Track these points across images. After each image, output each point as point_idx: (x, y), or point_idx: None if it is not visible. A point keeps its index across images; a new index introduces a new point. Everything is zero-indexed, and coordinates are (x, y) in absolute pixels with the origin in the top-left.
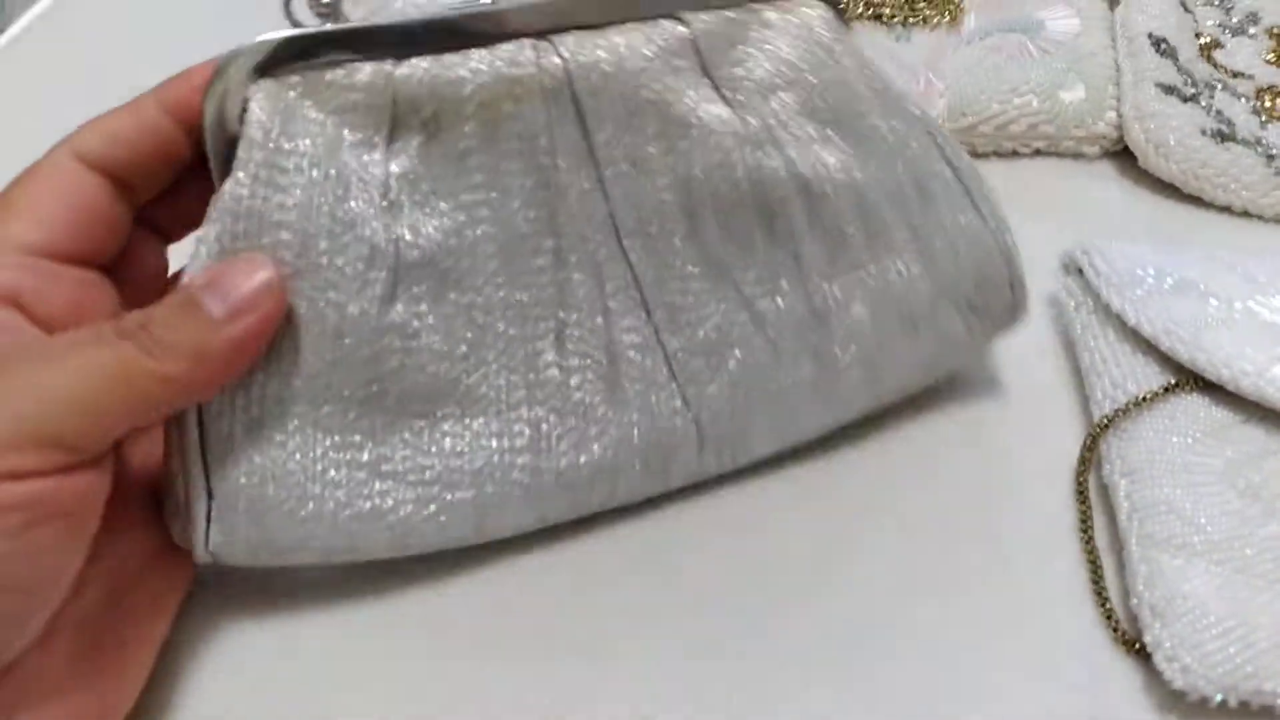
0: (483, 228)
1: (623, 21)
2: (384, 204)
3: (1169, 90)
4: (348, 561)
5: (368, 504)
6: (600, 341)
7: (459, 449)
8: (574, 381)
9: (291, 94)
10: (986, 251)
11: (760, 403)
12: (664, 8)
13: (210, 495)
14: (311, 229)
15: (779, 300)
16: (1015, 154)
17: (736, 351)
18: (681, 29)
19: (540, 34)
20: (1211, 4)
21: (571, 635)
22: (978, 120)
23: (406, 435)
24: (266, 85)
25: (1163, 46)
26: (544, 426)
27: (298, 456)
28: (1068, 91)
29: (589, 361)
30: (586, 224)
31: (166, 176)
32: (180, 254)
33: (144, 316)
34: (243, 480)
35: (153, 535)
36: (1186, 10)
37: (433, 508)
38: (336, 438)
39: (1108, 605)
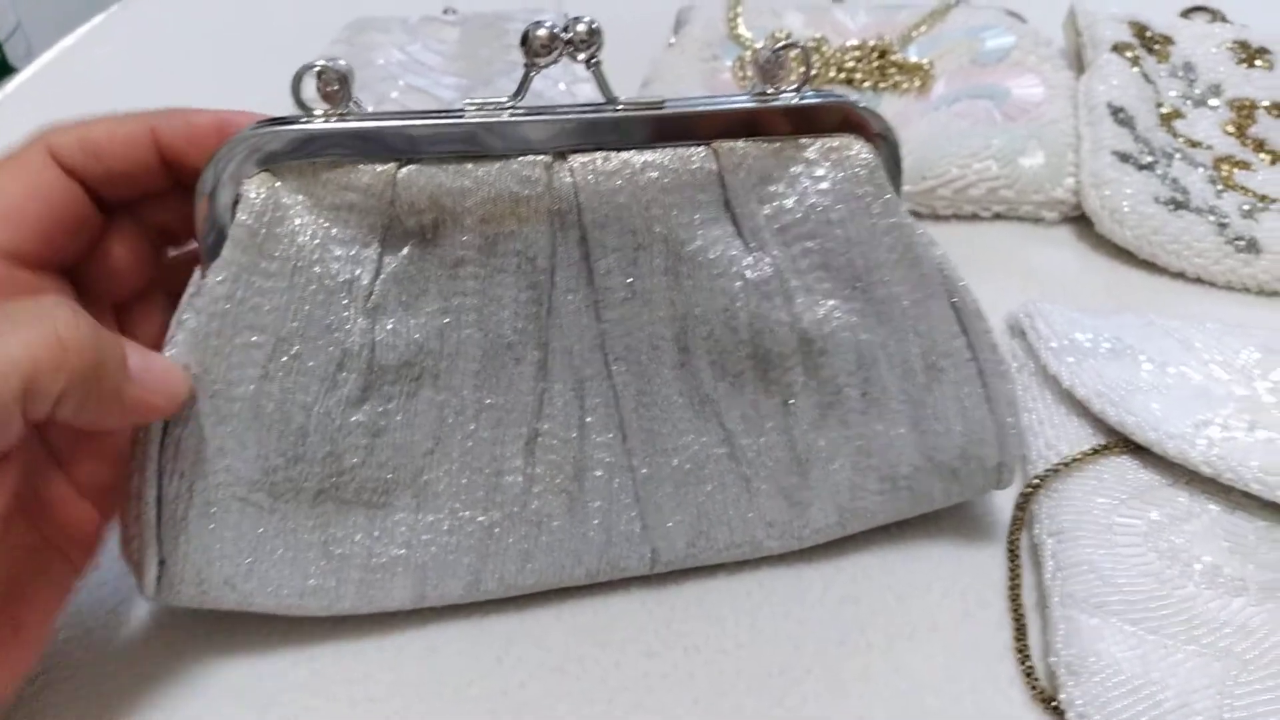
0: (467, 331)
1: (648, 145)
2: (367, 306)
3: (1124, 158)
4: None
5: (311, 581)
6: (570, 454)
7: (409, 540)
8: (535, 490)
9: (285, 190)
10: (983, 431)
11: (721, 534)
12: (696, 135)
13: (161, 562)
14: (285, 332)
15: (761, 440)
16: (975, 217)
17: (707, 486)
18: (710, 163)
19: (558, 151)
20: (1175, 75)
21: (504, 701)
22: (937, 183)
23: (360, 520)
24: (261, 178)
25: (1121, 115)
26: (496, 530)
27: (249, 539)
28: (1027, 158)
29: (555, 473)
30: (576, 341)
31: (138, 194)
32: None
33: (70, 300)
34: (194, 556)
35: (56, 519)
36: (1149, 81)
37: (373, 592)
38: (290, 522)
39: (1028, 663)
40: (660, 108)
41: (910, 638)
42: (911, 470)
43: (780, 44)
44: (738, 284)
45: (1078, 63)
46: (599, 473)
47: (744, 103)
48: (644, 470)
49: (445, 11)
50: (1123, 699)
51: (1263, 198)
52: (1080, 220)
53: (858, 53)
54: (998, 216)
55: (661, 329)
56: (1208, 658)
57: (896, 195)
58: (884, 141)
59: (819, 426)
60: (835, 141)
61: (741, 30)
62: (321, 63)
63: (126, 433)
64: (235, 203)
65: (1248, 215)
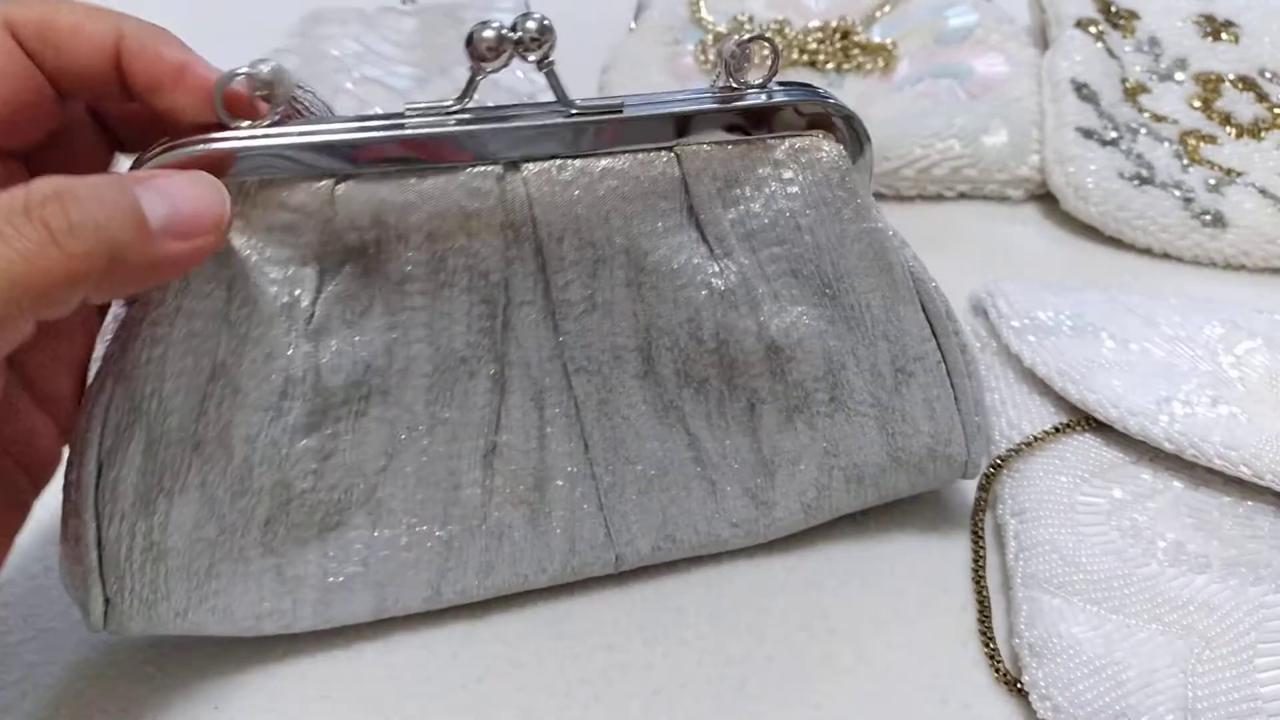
0: (417, 347)
1: (607, 150)
2: (308, 329)
3: (1088, 134)
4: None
5: (266, 604)
6: (530, 465)
7: (366, 558)
8: (495, 501)
9: None
10: (950, 431)
11: (686, 536)
12: (657, 138)
13: (107, 600)
14: (221, 364)
15: (727, 443)
16: (940, 197)
17: (672, 491)
18: (672, 168)
19: (511, 161)
20: (1140, 50)
21: (462, 695)
22: (900, 164)
23: (313, 542)
24: None
25: (1084, 91)
26: (455, 544)
27: (198, 572)
28: (990, 136)
29: (515, 484)
30: (534, 353)
31: (90, 96)
32: None
33: (63, 185)
34: (141, 593)
35: (14, 430)
36: (1113, 56)
37: (331, 610)
38: (239, 551)
39: (992, 645)
40: (619, 111)
41: (874, 623)
42: (878, 470)
43: (746, 36)
44: (703, 293)
45: (1043, 40)
46: (560, 482)
47: (708, 103)
48: (607, 478)
49: (404, 1)
50: (1085, 679)
51: (1229, 171)
52: (1046, 198)
53: (820, 34)
54: (962, 196)
55: (624, 340)
56: (1171, 636)
57: (868, 196)
58: (854, 138)
59: (785, 430)
60: (803, 141)
61: (703, 14)
62: (245, 70)
63: (88, 342)
64: None
65: (1214, 189)
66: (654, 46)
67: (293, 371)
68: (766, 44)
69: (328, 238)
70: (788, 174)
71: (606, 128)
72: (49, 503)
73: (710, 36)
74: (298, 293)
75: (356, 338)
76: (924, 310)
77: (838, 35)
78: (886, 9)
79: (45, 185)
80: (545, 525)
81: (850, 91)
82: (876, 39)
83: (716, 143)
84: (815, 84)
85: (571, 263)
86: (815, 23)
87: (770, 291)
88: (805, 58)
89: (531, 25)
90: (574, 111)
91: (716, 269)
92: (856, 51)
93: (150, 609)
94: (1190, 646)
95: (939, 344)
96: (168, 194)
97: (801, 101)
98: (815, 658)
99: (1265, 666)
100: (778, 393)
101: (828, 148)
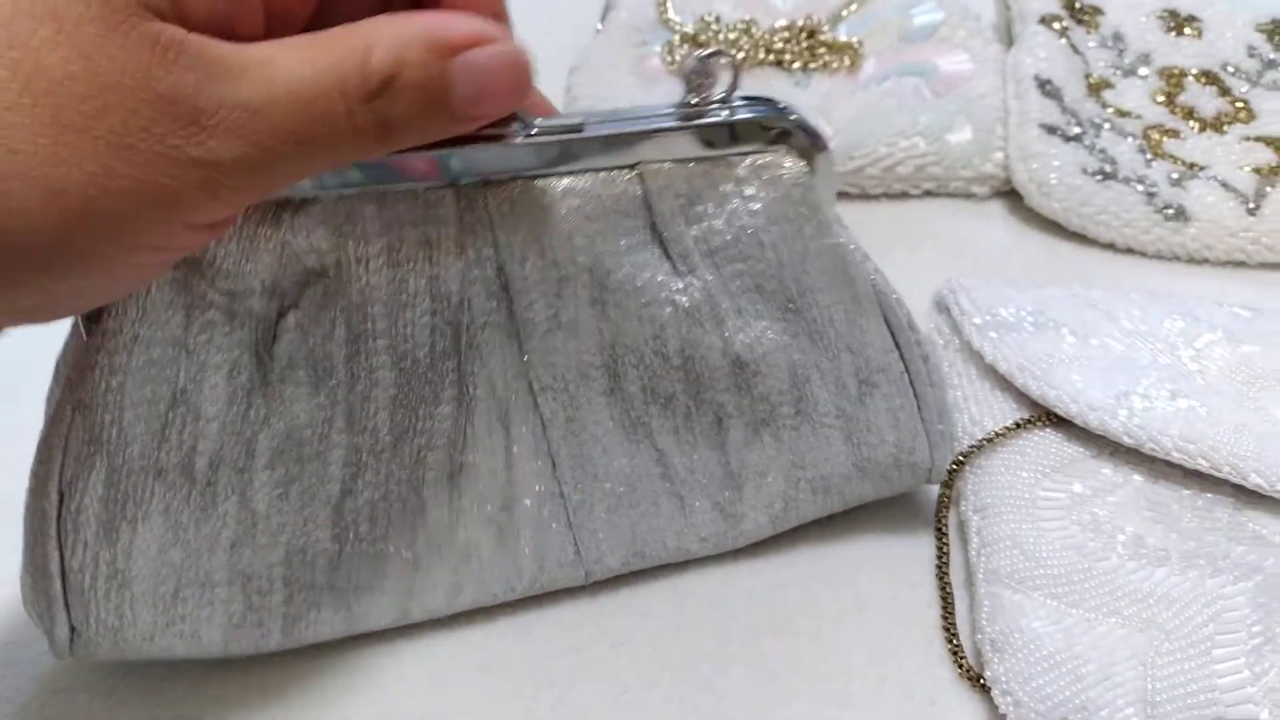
0: (380, 373)
1: (568, 170)
2: (269, 353)
3: (1051, 130)
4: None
5: (234, 627)
6: (497, 485)
7: (331, 581)
8: (462, 522)
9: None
10: (914, 440)
11: (655, 550)
12: (624, 158)
13: (73, 629)
14: (181, 389)
15: (695, 458)
16: (905, 195)
17: (641, 507)
18: (634, 186)
19: (470, 182)
20: (1104, 45)
21: (426, 699)
22: (865, 163)
23: (278, 563)
24: None
25: (1048, 87)
26: (423, 565)
27: (164, 597)
28: (955, 133)
29: (482, 504)
30: (498, 373)
31: None
32: None
33: (386, 73)
34: (107, 620)
35: None
36: (1076, 52)
37: (300, 631)
38: (206, 575)
39: (955, 641)
40: (579, 130)
41: (838, 621)
42: (844, 480)
43: (706, 51)
44: (667, 310)
45: (1008, 36)
46: (528, 502)
47: (669, 121)
48: (576, 496)
49: None
50: (1046, 674)
51: (1191, 165)
52: (1011, 195)
53: (787, 34)
54: (927, 193)
55: (589, 358)
56: (1131, 629)
57: (830, 212)
58: (816, 153)
59: (752, 443)
60: (765, 158)
61: (671, 15)
62: None
63: None
64: None
65: (1176, 183)
66: (621, 48)
67: (254, 397)
68: (726, 58)
69: (286, 261)
70: (750, 190)
71: (567, 147)
72: (14, 516)
73: (677, 37)
74: (258, 318)
75: (318, 362)
76: (886, 322)
77: (804, 34)
78: (853, 8)
79: (380, 60)
80: (514, 545)
81: (816, 91)
82: (843, 38)
83: (678, 160)
84: (780, 86)
85: (535, 283)
86: (782, 22)
87: (734, 307)
88: (771, 57)
89: None
90: (534, 131)
91: (680, 286)
92: (823, 50)
93: (116, 635)
94: (1150, 639)
95: (902, 355)
96: (480, 79)
97: (763, 117)
98: (780, 657)
99: (1223, 658)
100: (744, 407)
101: (790, 164)
